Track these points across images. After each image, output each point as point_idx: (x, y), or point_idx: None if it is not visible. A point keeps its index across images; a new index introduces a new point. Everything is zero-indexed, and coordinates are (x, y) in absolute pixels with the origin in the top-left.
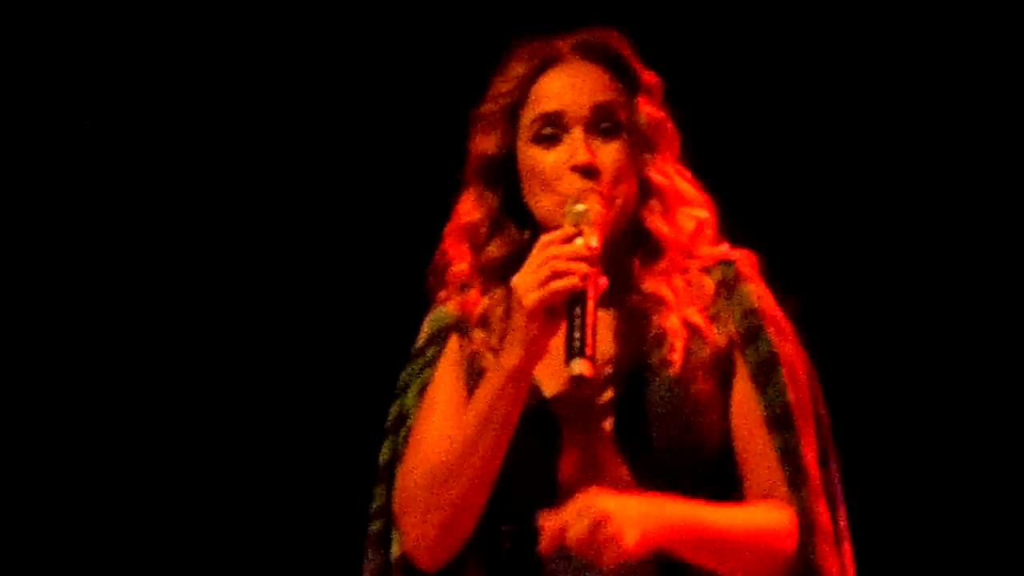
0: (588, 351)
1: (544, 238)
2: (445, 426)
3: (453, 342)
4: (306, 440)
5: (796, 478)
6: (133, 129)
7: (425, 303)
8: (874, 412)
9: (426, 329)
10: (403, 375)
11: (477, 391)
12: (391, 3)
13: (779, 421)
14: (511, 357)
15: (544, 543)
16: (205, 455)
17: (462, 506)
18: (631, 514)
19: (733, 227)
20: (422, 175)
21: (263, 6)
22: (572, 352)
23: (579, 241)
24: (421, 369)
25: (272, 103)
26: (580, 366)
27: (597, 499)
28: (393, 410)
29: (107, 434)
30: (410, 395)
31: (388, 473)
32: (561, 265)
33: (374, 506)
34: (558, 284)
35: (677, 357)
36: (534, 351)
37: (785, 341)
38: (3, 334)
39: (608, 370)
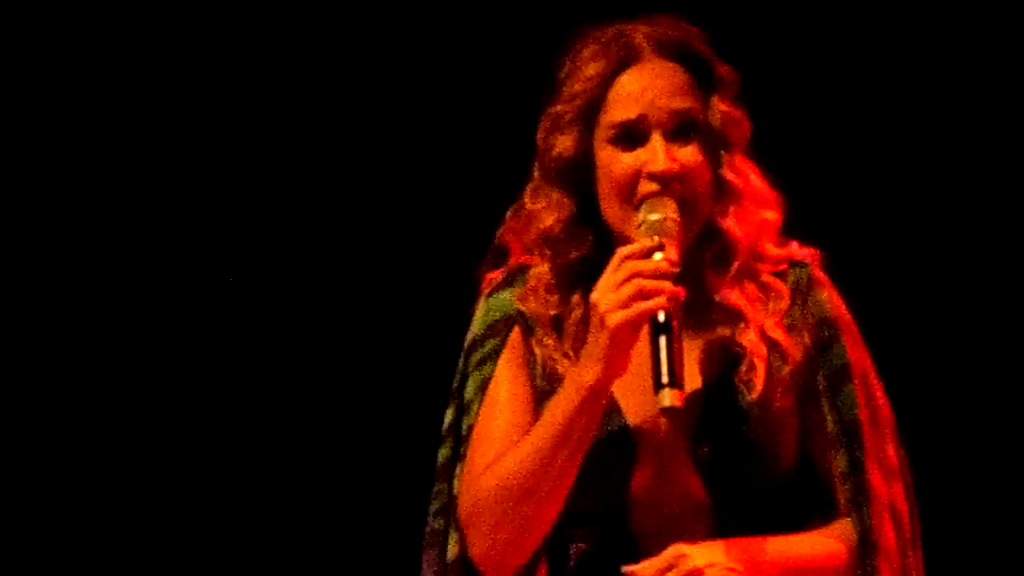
0: (677, 379)
1: (623, 251)
2: (511, 432)
3: (515, 335)
4: (356, 436)
5: (859, 496)
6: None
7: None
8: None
9: (482, 318)
10: (460, 367)
11: (551, 406)
12: None
13: (846, 436)
14: (589, 373)
15: None
16: (260, 458)
17: (534, 522)
18: (720, 564)
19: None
20: (464, 167)
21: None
22: (661, 382)
23: (659, 256)
24: (481, 362)
25: (306, 93)
26: (671, 397)
27: (686, 551)
28: (451, 406)
29: (153, 437)
30: (469, 390)
31: (448, 473)
32: (646, 284)
33: (434, 506)
34: (645, 306)
35: (760, 379)
36: (614, 368)
37: (858, 349)
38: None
39: (688, 388)
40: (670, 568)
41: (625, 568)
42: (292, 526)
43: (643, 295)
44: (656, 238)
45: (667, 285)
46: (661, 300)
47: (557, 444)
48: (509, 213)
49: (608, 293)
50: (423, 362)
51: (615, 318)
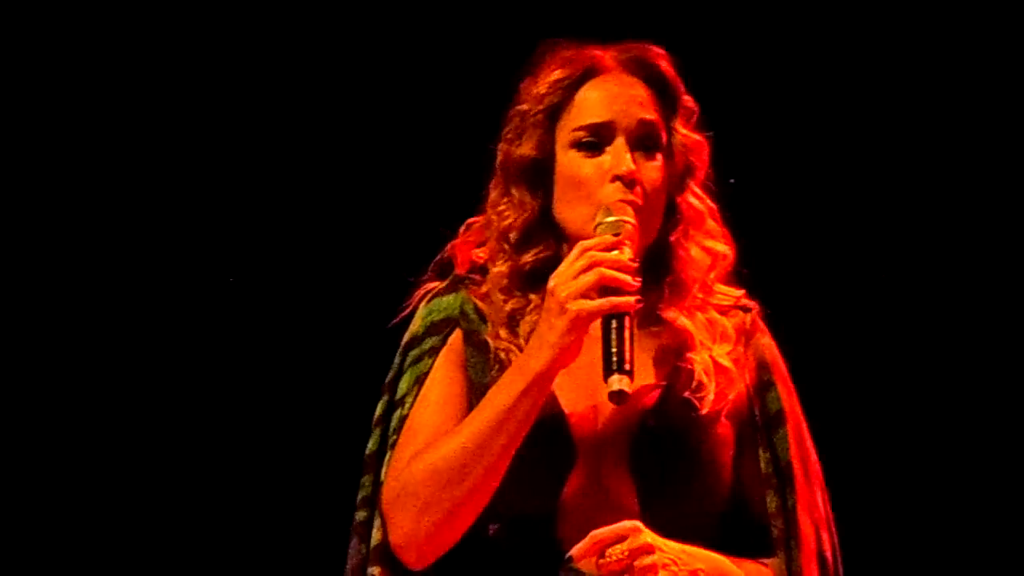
0: (627, 366)
1: (584, 243)
2: (442, 426)
3: (455, 337)
4: (289, 431)
5: (788, 539)
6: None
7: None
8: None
9: (424, 317)
10: (396, 363)
11: (493, 391)
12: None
13: (778, 478)
14: (538, 359)
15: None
16: (196, 451)
17: (462, 507)
18: (669, 553)
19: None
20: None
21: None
22: (611, 367)
23: (619, 253)
24: (418, 358)
25: (275, 99)
26: (621, 382)
27: (641, 527)
28: (383, 398)
29: (110, 433)
30: (403, 383)
31: (376, 462)
32: (608, 274)
33: (360, 496)
34: (616, 300)
35: (710, 397)
36: (565, 356)
37: (792, 400)
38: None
39: (635, 395)
40: (621, 539)
41: (574, 550)
42: (225, 519)
43: (603, 285)
44: (618, 235)
45: (628, 279)
46: (630, 300)
47: (495, 429)
48: (462, 228)
49: (568, 281)
50: (354, 360)
51: (575, 305)
